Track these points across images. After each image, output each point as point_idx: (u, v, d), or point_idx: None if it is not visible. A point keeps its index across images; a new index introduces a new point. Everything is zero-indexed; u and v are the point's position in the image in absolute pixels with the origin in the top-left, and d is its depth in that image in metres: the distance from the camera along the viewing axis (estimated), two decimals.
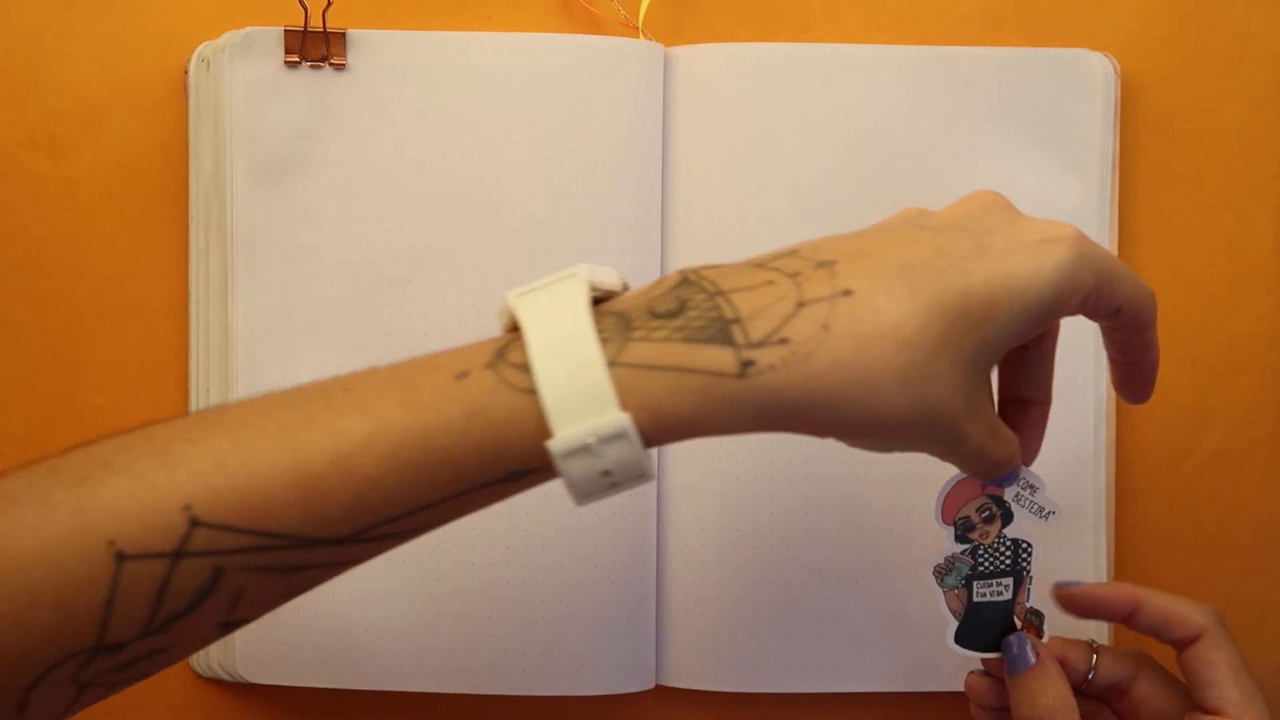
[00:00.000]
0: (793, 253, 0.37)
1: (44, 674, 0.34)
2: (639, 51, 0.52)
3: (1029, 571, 0.51)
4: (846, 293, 0.35)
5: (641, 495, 0.52)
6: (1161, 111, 0.54)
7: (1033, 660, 0.46)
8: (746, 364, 0.34)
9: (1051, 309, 0.38)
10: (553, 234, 0.51)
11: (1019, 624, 0.51)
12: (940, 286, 0.36)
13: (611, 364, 0.34)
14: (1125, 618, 0.47)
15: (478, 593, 0.52)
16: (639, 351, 0.34)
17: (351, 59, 0.51)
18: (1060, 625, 0.52)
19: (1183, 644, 0.46)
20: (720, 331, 0.34)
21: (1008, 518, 0.50)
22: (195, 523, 0.34)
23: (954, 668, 0.53)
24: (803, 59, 0.52)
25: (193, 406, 0.53)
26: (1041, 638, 0.50)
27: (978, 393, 0.38)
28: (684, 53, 0.53)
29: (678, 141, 0.52)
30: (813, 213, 0.52)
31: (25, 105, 0.53)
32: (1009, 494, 0.50)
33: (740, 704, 0.54)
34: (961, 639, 0.50)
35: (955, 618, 0.50)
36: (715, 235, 0.52)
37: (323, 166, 0.51)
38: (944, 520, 0.50)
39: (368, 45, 0.51)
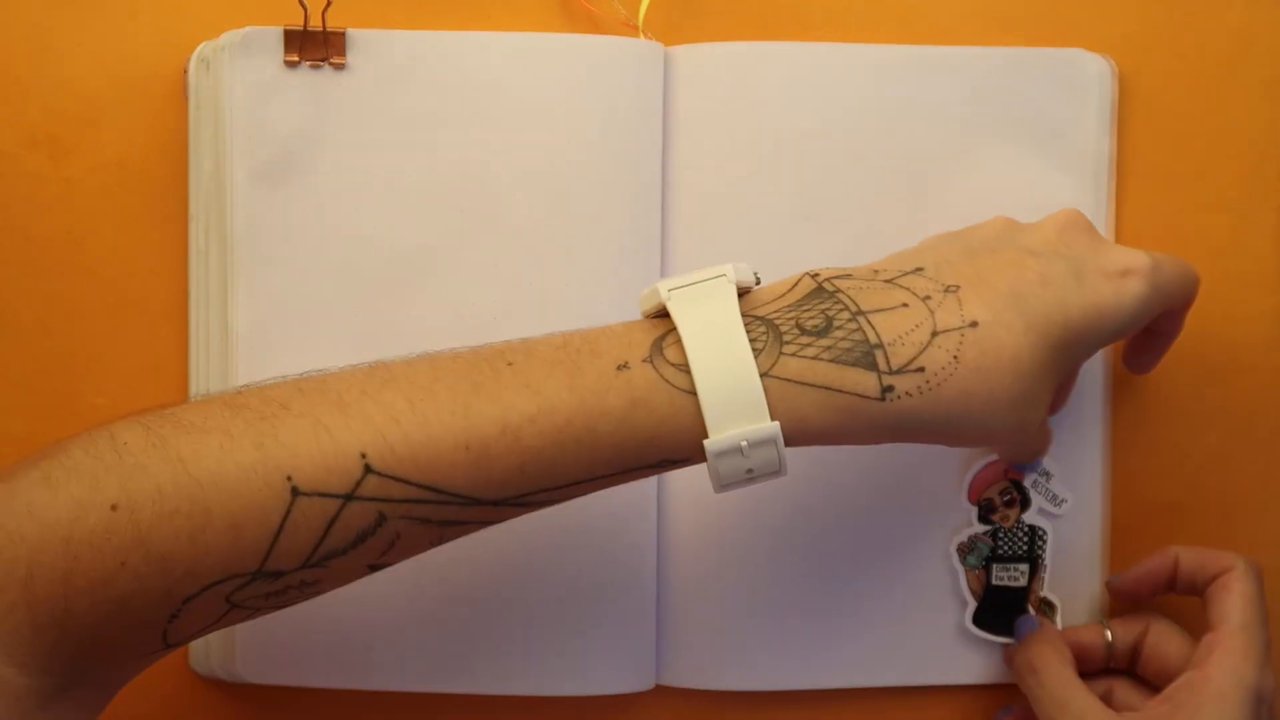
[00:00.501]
0: (917, 270, 0.41)
1: (205, 589, 0.37)
2: (639, 51, 0.52)
3: (1044, 559, 0.53)
4: (973, 324, 0.39)
5: (642, 495, 0.52)
6: (1160, 111, 0.54)
7: (1036, 627, 0.51)
8: (887, 389, 0.39)
9: (1124, 333, 0.44)
10: (552, 233, 0.51)
11: (1032, 611, 0.52)
12: (1047, 319, 0.40)
13: (765, 375, 0.38)
14: (1170, 577, 0.51)
15: (478, 593, 0.52)
16: (791, 366, 0.38)
17: (351, 59, 0.51)
18: (1075, 616, 0.53)
19: (1211, 581, 0.49)
20: (865, 356, 0.39)
21: (1025, 504, 0.53)
22: (369, 470, 0.37)
23: (954, 664, 0.54)
24: (803, 58, 0.52)
25: None
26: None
27: (1053, 392, 0.43)
28: (684, 52, 0.53)
29: (678, 141, 0.52)
30: (812, 212, 0.52)
31: (25, 105, 0.53)
32: (1028, 480, 0.52)
33: (741, 703, 0.54)
34: (979, 621, 0.53)
35: (974, 599, 0.53)
36: (715, 234, 0.52)
37: (323, 166, 0.51)
38: (969, 499, 0.52)
39: (367, 45, 0.51)
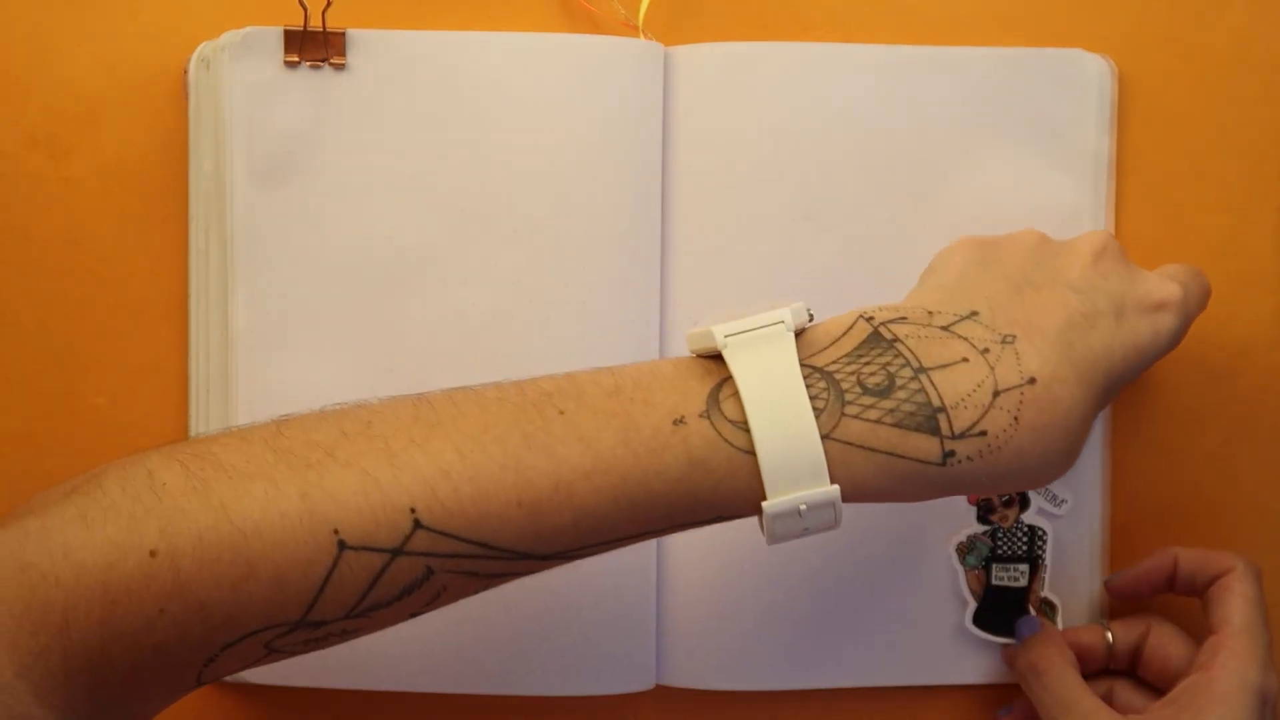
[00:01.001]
0: (973, 316, 0.40)
1: (244, 637, 0.36)
2: (639, 51, 0.52)
3: (1044, 560, 0.53)
4: (1031, 381, 0.39)
5: None
6: (1160, 111, 0.54)
7: (1039, 628, 0.51)
8: (949, 454, 0.38)
9: (1153, 363, 0.44)
10: (552, 234, 0.51)
11: (1032, 612, 0.53)
12: (1094, 367, 0.40)
13: (826, 437, 0.37)
14: (1169, 577, 0.51)
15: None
16: (853, 430, 0.38)
17: (351, 59, 0.51)
18: (1075, 617, 0.53)
19: (1212, 582, 0.49)
20: (928, 420, 0.38)
21: (1025, 504, 0.53)
22: (418, 525, 0.36)
23: (954, 664, 0.54)
24: (802, 59, 0.52)
25: (193, 406, 0.53)
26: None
27: None
28: (684, 52, 0.53)
29: (678, 141, 0.52)
30: (812, 212, 0.52)
31: (25, 105, 0.53)
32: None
33: (741, 703, 0.54)
34: (979, 621, 0.53)
35: (974, 599, 0.53)
36: (715, 234, 0.52)
37: (323, 166, 0.51)
38: (969, 499, 0.53)
39: (367, 45, 0.51)
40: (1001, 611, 0.53)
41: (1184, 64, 0.54)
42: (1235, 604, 0.48)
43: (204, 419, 0.52)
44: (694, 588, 0.53)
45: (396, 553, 0.36)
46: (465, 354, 0.52)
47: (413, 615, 0.39)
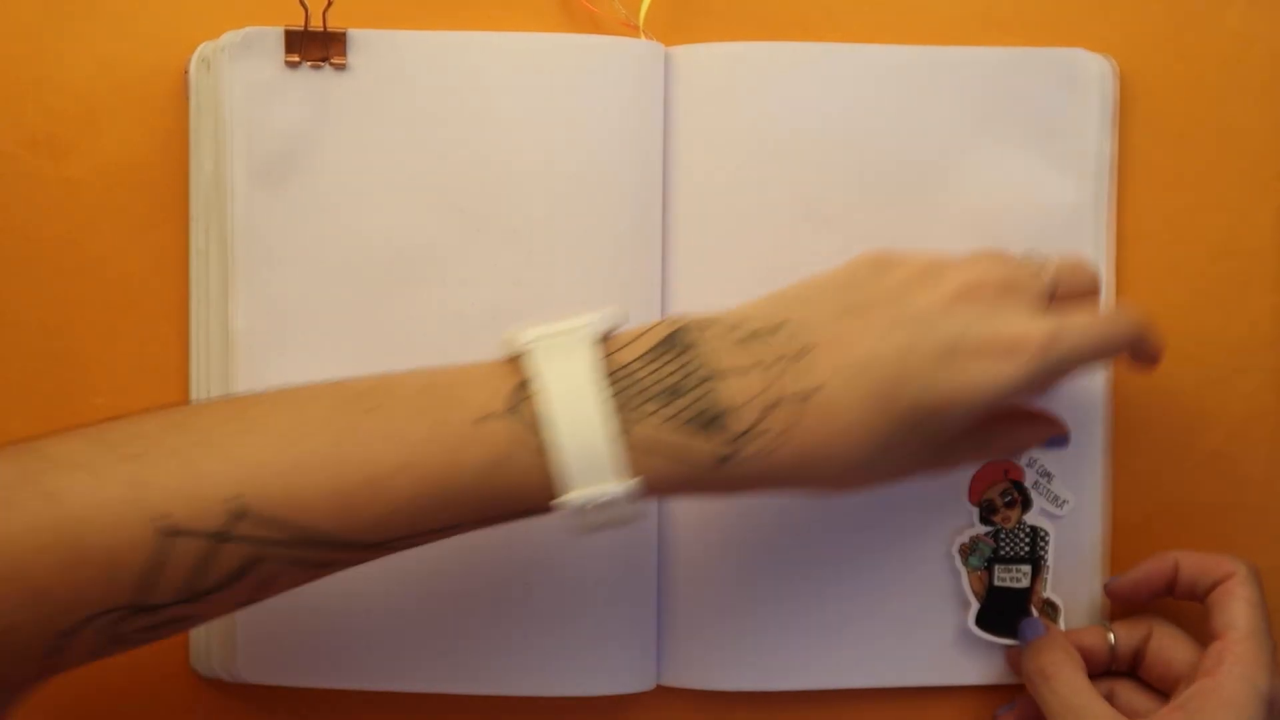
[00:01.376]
0: (780, 327, 0.42)
1: (83, 623, 0.38)
2: (639, 51, 0.52)
3: (1046, 561, 0.53)
4: (818, 388, 0.40)
5: None
6: (1161, 111, 0.54)
7: (1043, 631, 0.51)
8: (728, 455, 0.40)
9: (1001, 404, 0.42)
10: (552, 234, 0.51)
11: (1035, 614, 0.53)
12: (891, 396, 0.41)
13: (616, 438, 0.40)
14: (1169, 581, 0.51)
15: (478, 592, 0.52)
16: (642, 432, 0.40)
17: (352, 59, 0.51)
18: (1076, 618, 0.53)
19: (1213, 588, 0.49)
20: (711, 422, 0.40)
21: (1027, 505, 0.53)
22: (242, 512, 0.38)
23: (956, 665, 0.54)
24: (803, 59, 0.52)
25: None
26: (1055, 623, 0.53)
27: (944, 447, 0.44)
28: (685, 52, 0.53)
29: (678, 141, 0.52)
30: (812, 212, 0.52)
31: (25, 105, 0.53)
32: (1028, 479, 0.53)
33: (741, 703, 0.54)
34: (982, 622, 0.53)
35: (977, 600, 0.53)
36: (715, 235, 0.52)
37: (323, 166, 0.51)
38: (970, 500, 0.53)
39: (368, 45, 0.51)
40: (1004, 613, 0.53)
41: (1185, 64, 0.54)
42: (1239, 609, 0.48)
43: None
44: (695, 588, 0.53)
45: (221, 538, 0.38)
46: (465, 354, 0.51)
47: (251, 601, 0.40)
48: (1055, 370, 0.43)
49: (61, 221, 0.53)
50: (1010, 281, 0.44)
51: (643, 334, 0.42)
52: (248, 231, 0.51)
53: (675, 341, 0.41)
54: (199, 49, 0.52)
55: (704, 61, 0.52)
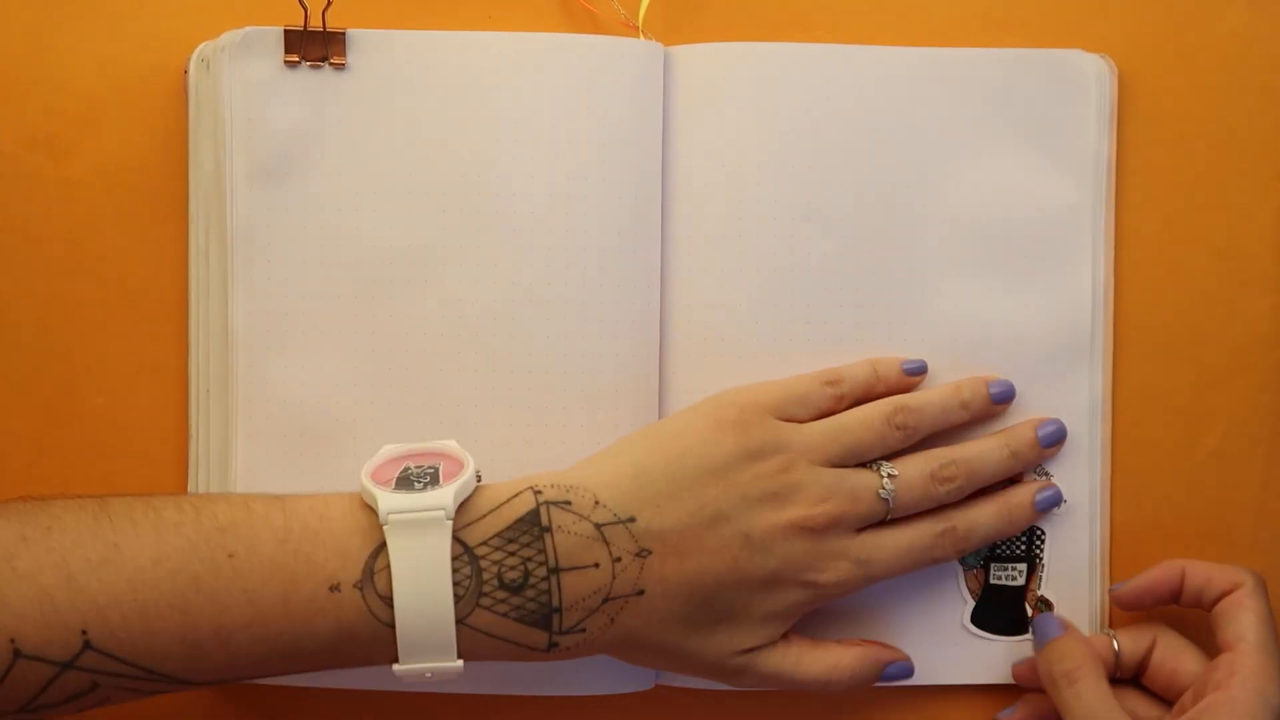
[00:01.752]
0: (630, 521, 0.45)
1: None
2: (639, 51, 0.52)
3: (1042, 559, 0.53)
4: (640, 593, 0.45)
5: None
6: (1160, 112, 0.54)
7: (1060, 631, 0.51)
8: (553, 645, 0.45)
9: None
10: (552, 234, 0.51)
11: (1030, 611, 0.53)
12: (712, 602, 0.46)
13: (460, 622, 0.43)
14: (1175, 590, 0.51)
15: None
16: (483, 619, 0.44)
17: (351, 59, 0.51)
18: (1071, 616, 0.53)
19: (1220, 598, 0.49)
20: (544, 618, 0.44)
21: None
22: (88, 646, 0.40)
23: (952, 663, 0.54)
24: (802, 59, 0.52)
25: (193, 406, 0.53)
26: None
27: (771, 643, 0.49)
28: (684, 52, 0.53)
29: (677, 141, 0.52)
30: (812, 213, 0.52)
31: (25, 105, 0.53)
32: (1026, 478, 0.53)
33: (741, 703, 0.54)
34: (977, 620, 0.53)
35: (973, 598, 0.53)
36: (714, 234, 0.52)
37: (322, 166, 0.51)
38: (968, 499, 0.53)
39: (367, 45, 0.51)
40: (1000, 611, 0.53)
41: (1184, 64, 0.54)
42: (1248, 621, 0.48)
43: (204, 419, 0.52)
44: None
45: (66, 666, 0.40)
46: (465, 354, 0.52)
47: (80, 711, 0.42)
48: (872, 583, 0.49)
49: (61, 221, 0.53)
50: (844, 516, 0.48)
51: (502, 505, 0.44)
52: (247, 231, 0.51)
53: (533, 523, 0.44)
54: (198, 49, 0.52)
55: (703, 62, 0.52)
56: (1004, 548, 0.53)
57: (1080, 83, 0.53)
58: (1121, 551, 0.54)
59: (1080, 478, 0.53)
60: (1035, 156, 0.53)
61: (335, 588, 0.42)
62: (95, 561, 0.41)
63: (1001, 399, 0.52)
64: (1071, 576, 0.53)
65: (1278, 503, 0.54)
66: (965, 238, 0.53)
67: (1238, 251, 0.54)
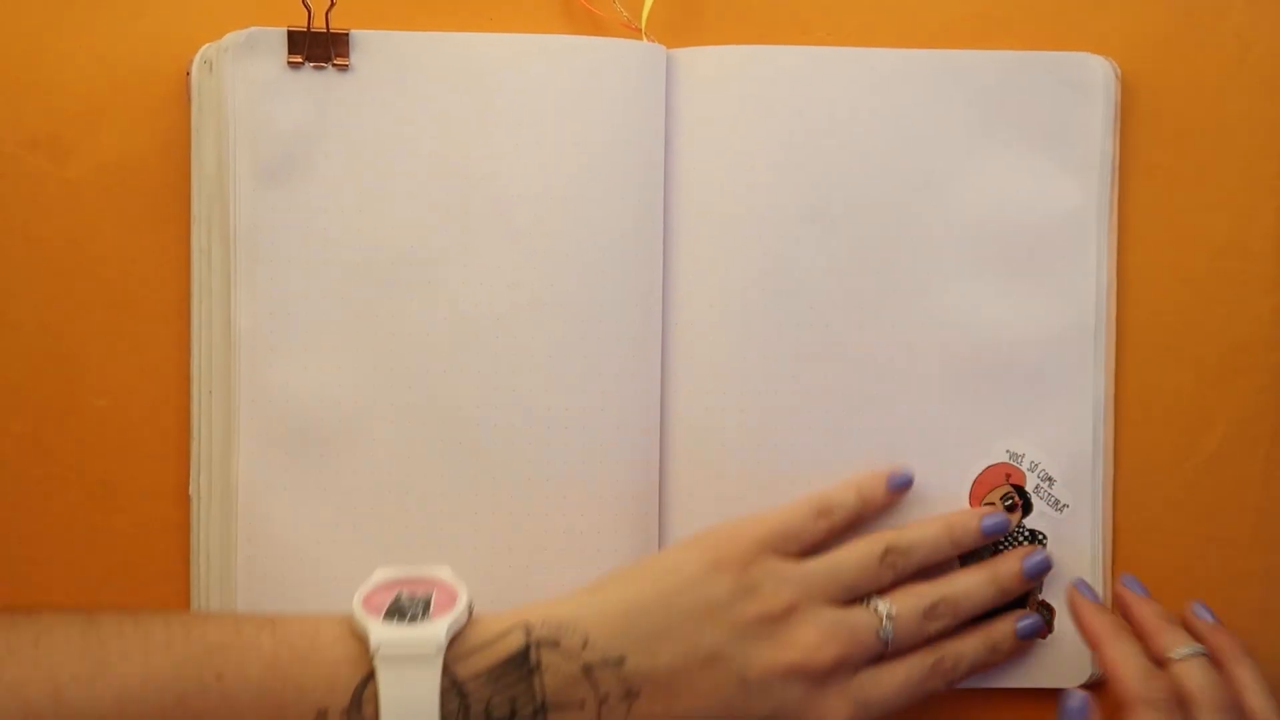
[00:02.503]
0: (620, 662, 0.45)
1: None
2: (641, 53, 0.52)
3: None
4: None
5: (643, 494, 0.52)
6: (1161, 113, 0.54)
7: (1087, 711, 0.50)
8: None
9: None
10: (554, 235, 0.51)
11: (1032, 615, 0.53)
12: None
13: None
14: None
15: (478, 594, 0.52)
16: None
17: (354, 60, 0.51)
18: (1070, 620, 0.53)
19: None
20: None
21: (1028, 509, 0.53)
22: None
23: None
24: (804, 61, 0.52)
25: (194, 407, 0.52)
26: (1051, 630, 0.52)
27: None
28: (686, 55, 0.53)
29: (680, 143, 0.53)
30: (813, 214, 0.52)
31: (25, 105, 0.52)
32: (1029, 483, 0.53)
33: None
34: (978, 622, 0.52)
35: None
36: (717, 236, 0.52)
37: (325, 167, 0.51)
38: (970, 503, 0.53)
39: (371, 46, 0.51)
40: (1002, 614, 0.53)
41: (1186, 66, 0.54)
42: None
43: (205, 419, 0.52)
44: None
45: None
46: (466, 354, 0.51)
47: None
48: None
49: (63, 222, 0.53)
50: (847, 659, 0.48)
51: (495, 641, 0.44)
52: (250, 231, 0.51)
53: (522, 662, 0.44)
54: (202, 50, 0.52)
55: (706, 64, 0.53)
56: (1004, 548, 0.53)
57: (1087, 85, 0.53)
58: (1122, 553, 0.54)
59: (1082, 479, 0.53)
60: (1040, 159, 0.53)
61: (322, 714, 0.42)
62: (83, 677, 0.40)
63: (992, 532, 0.52)
64: (1073, 579, 0.53)
65: (1278, 503, 0.54)
66: (969, 240, 0.53)
67: (1239, 252, 0.54)
